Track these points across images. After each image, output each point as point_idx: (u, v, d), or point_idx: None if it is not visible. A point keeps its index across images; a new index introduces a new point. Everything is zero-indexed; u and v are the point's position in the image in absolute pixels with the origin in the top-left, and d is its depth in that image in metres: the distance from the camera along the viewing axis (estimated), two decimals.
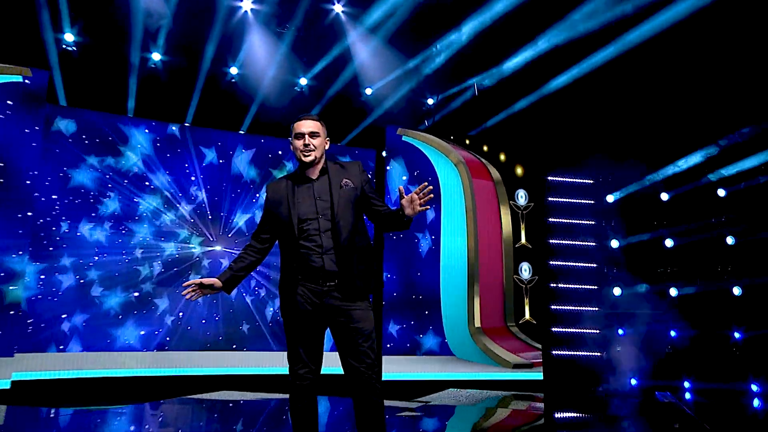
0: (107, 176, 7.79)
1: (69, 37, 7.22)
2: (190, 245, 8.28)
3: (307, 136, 2.75)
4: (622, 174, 6.55)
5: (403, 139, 9.03)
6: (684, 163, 6.21)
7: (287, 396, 2.72)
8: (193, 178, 8.38)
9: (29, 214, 6.87)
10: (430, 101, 9.29)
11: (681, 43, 6.04)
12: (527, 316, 8.65)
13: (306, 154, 2.75)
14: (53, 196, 7.45)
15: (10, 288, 6.44)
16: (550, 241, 6.45)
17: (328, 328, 2.76)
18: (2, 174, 6.67)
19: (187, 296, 2.67)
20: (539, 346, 7.63)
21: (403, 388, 6.64)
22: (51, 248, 7.40)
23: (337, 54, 7.88)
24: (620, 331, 6.26)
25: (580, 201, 6.52)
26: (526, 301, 8.70)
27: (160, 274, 8.03)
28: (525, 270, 8.79)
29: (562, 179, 6.49)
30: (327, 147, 2.86)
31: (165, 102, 7.96)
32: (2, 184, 6.67)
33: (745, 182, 6.08)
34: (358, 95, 8.72)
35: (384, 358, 7.43)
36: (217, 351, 8.28)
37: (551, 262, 6.37)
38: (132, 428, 4.62)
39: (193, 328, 8.20)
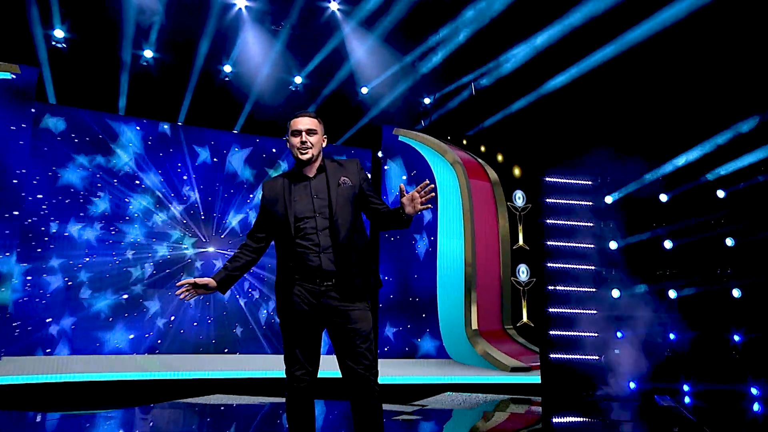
0: (97, 175, 7.64)
1: (59, 33, 7.08)
2: (183, 246, 8.13)
3: (304, 133, 2.71)
4: (621, 174, 6.52)
5: (399, 138, 8.93)
6: (683, 161, 6.18)
7: (281, 400, 2.63)
8: (185, 178, 8.23)
9: (16, 213, 6.71)
10: (427, 101, 9.21)
11: (681, 43, 6.04)
12: (525, 318, 8.55)
13: (303, 151, 2.71)
14: (41, 196, 7.31)
15: None
16: (548, 242, 6.38)
17: (325, 330, 2.71)
18: None
19: (181, 296, 2.62)
20: (537, 349, 7.55)
21: (399, 391, 6.54)
22: (39, 249, 7.24)
23: (333, 52, 7.80)
24: (619, 334, 6.19)
25: (578, 202, 6.47)
26: (524, 303, 8.61)
27: (152, 276, 7.90)
28: (522, 272, 8.71)
29: (559, 180, 6.43)
30: (324, 144, 2.82)
31: (157, 100, 7.85)
32: None
33: (744, 182, 6.04)
34: (354, 94, 8.62)
35: (380, 361, 7.32)
36: (209, 354, 8.15)
37: (549, 264, 6.30)
38: None
39: (185, 331, 8.06)
